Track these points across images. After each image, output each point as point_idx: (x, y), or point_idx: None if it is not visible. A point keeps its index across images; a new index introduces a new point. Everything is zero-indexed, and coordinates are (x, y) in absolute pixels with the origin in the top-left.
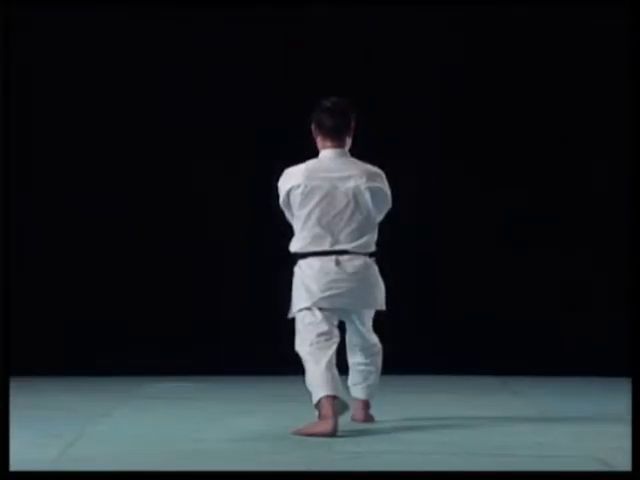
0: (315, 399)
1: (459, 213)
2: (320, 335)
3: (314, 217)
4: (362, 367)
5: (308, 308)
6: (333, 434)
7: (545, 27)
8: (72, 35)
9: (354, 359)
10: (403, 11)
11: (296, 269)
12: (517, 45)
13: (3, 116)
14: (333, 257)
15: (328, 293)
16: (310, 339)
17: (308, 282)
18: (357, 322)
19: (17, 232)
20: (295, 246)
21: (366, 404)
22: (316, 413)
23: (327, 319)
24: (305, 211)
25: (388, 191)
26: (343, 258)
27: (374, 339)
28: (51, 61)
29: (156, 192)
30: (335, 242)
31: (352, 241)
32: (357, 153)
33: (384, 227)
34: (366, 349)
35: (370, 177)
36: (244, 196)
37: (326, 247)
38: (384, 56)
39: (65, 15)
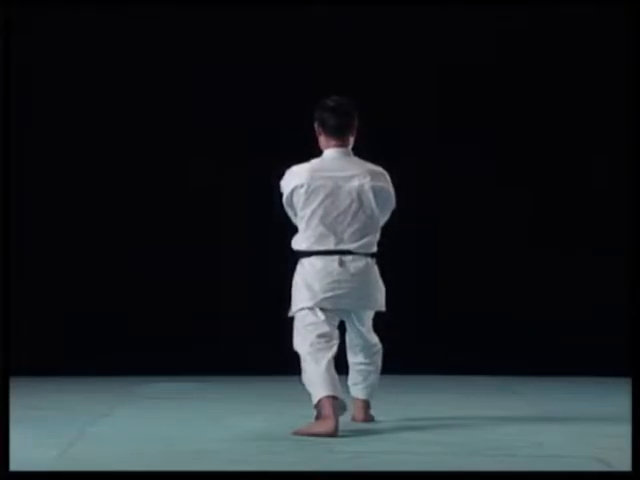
0: (315, 399)
1: (459, 213)
2: (321, 336)
3: (317, 216)
4: (362, 367)
5: (310, 308)
6: (334, 434)
7: (546, 26)
8: (72, 35)
9: (354, 359)
10: (403, 11)
11: (298, 267)
12: (517, 44)
13: (3, 116)
14: (336, 257)
15: (330, 294)
16: (310, 339)
17: (311, 281)
18: (357, 322)
19: (17, 233)
20: (299, 245)
21: (366, 404)
22: (314, 413)
23: (328, 320)
24: (308, 210)
25: (392, 191)
26: (347, 259)
27: (374, 339)
28: (51, 61)
29: (155, 192)
30: (339, 242)
31: (355, 241)
32: (357, 151)
33: (385, 228)
34: (366, 349)
35: (374, 176)
36: (243, 195)
37: (330, 246)
38: (383, 56)
39: (65, 15)
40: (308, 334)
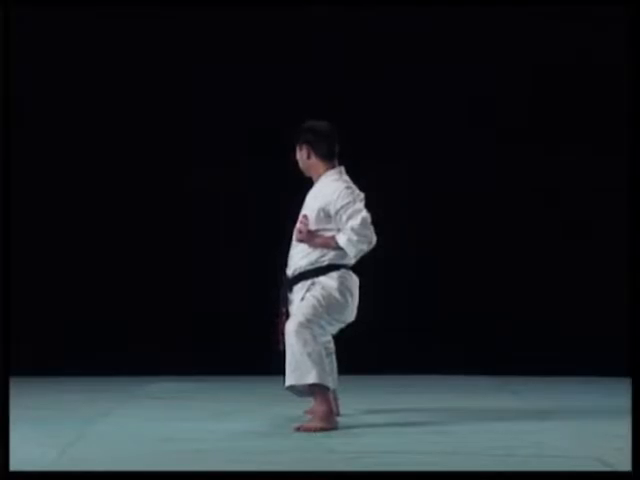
0: (317, 380)
1: (458, 213)
2: (326, 343)
3: None
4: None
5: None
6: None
7: (546, 26)
8: (72, 35)
9: None
10: (402, 11)
11: (339, 277)
12: (516, 45)
13: (3, 116)
14: None
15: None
16: (320, 339)
17: (355, 298)
18: None
19: (18, 233)
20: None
21: None
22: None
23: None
24: None
25: None
26: None
27: None
28: (51, 61)
29: (155, 192)
30: None
31: None
32: (359, 155)
33: (384, 227)
34: None
35: None
36: (242, 197)
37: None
38: (382, 56)
39: (65, 15)
40: (321, 333)
